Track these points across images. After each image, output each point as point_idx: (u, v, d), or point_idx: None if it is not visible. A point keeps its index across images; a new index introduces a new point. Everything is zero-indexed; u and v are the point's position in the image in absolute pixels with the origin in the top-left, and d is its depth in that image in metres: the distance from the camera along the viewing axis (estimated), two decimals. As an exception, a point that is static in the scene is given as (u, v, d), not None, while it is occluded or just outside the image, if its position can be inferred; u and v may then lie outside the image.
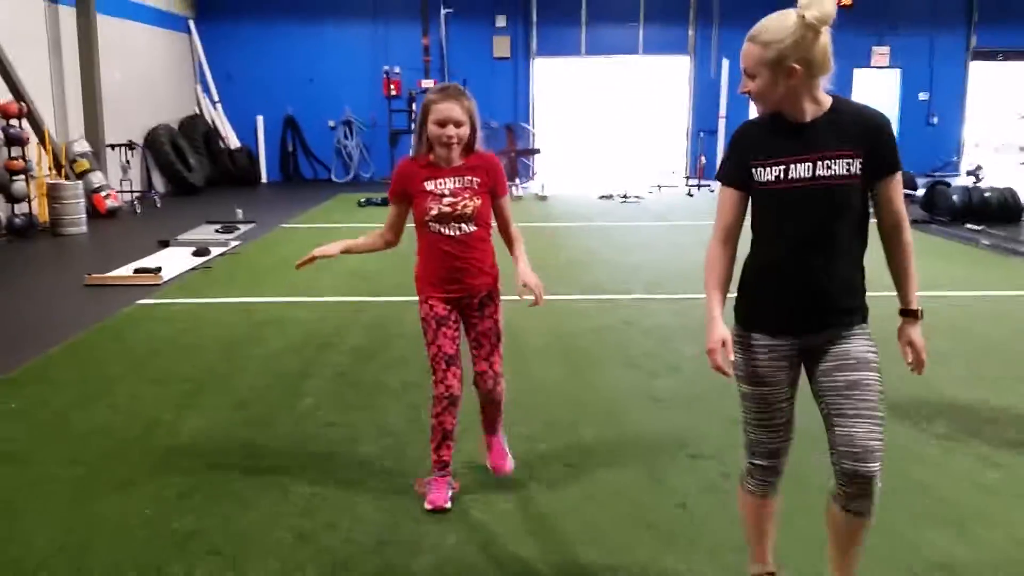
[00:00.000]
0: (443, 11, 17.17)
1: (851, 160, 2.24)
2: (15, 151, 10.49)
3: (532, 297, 3.11)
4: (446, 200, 3.18)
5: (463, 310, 3.32)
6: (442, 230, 3.21)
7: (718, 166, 2.48)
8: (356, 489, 3.51)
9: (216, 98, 17.43)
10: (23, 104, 10.73)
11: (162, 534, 3.15)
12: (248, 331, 6.04)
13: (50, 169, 11.28)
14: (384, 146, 17.40)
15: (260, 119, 17.74)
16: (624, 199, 14.47)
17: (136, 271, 7.60)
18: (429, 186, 3.20)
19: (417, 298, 3.35)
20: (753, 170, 2.33)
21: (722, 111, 17.81)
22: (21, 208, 10.71)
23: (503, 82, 18.32)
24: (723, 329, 2.35)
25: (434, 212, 3.19)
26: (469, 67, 17.64)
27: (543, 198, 14.63)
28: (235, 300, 7.03)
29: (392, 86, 17.05)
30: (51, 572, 2.90)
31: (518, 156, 17.07)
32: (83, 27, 12.55)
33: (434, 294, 3.27)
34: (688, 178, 17.39)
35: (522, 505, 3.38)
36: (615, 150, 18.87)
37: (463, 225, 3.21)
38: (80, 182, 11.19)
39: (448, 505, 3.28)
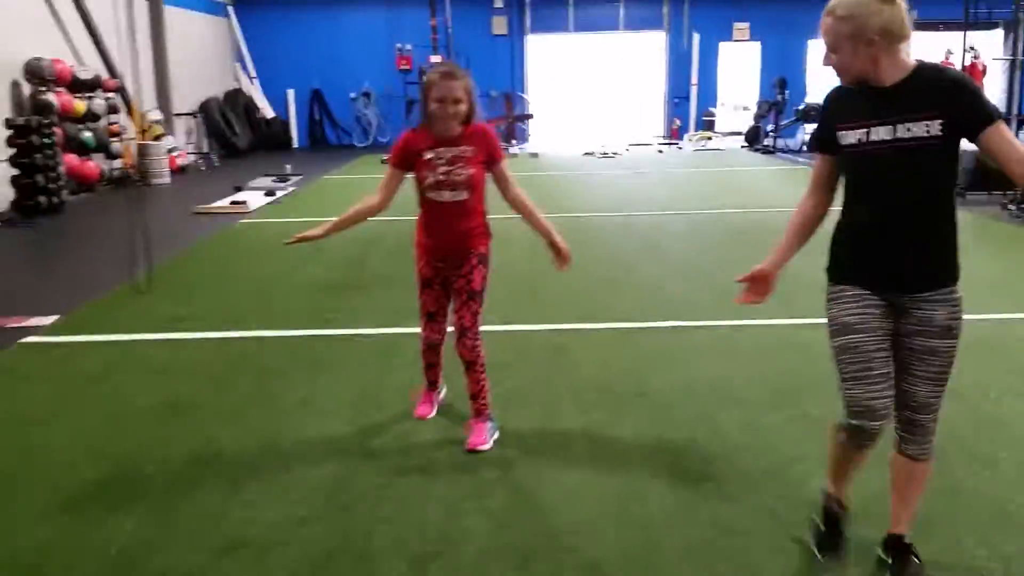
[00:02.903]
0: (448, -4, 19.79)
1: (930, 122, 2.27)
2: (113, 118, 13.25)
3: (565, 265, 3.61)
4: (441, 169, 3.43)
5: (446, 271, 3.62)
6: (437, 196, 3.49)
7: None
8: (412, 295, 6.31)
9: (253, 74, 20.12)
10: (117, 80, 13.49)
11: (318, 305, 5.96)
12: (323, 234, 8.82)
13: (136, 133, 14.03)
14: (399, 114, 20.07)
15: (291, 92, 20.41)
16: (604, 155, 17.19)
17: (231, 203, 10.37)
18: (428, 156, 3.44)
19: None
20: (838, 133, 2.42)
21: (693, 79, 20.50)
22: (115, 164, 13.48)
23: (501, 56, 20.96)
24: (762, 266, 2.58)
25: (430, 180, 3.45)
26: (471, 44, 20.25)
27: (535, 155, 17.36)
28: (307, 219, 9.80)
29: (404, 61, 19.69)
30: (259, 317, 5.69)
31: (515, 121, 19.78)
32: (154, 15, 15.29)
33: (425, 256, 3.65)
34: (659, 138, 20.07)
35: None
36: (599, 114, 21.50)
37: (456, 192, 3.46)
38: (162, 142, 13.93)
39: (430, 415, 3.94)
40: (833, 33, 2.32)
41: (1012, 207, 9.54)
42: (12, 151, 10.33)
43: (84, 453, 3.66)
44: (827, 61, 2.37)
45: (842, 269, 2.49)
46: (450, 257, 3.58)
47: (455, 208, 3.50)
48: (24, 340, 5.26)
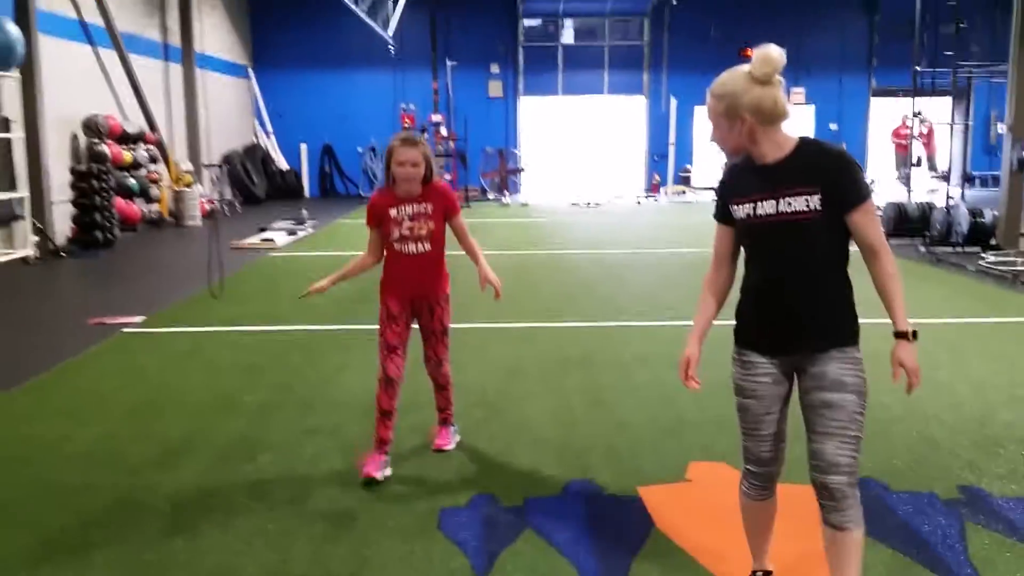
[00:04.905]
0: (448, 63, 21.79)
1: (810, 196, 2.40)
2: (152, 167, 15.08)
3: (493, 290, 3.93)
4: (405, 224, 3.83)
5: (415, 311, 4.00)
6: (403, 248, 3.87)
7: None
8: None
9: (269, 129, 22.05)
10: (157, 134, 15.35)
11: (344, 309, 7.65)
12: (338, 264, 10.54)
13: (171, 181, 15.85)
14: (402, 167, 21.92)
15: (303, 146, 22.32)
16: (587, 205, 19.03)
17: (261, 240, 12.13)
18: (393, 213, 3.82)
19: None
20: (731, 207, 2.57)
21: (671, 139, 22.46)
22: (152, 208, 15.27)
23: (496, 116, 22.99)
24: (690, 349, 2.69)
25: (396, 234, 3.84)
26: (469, 104, 22.28)
27: (525, 205, 19.20)
28: (325, 253, 11.58)
29: (408, 119, 21.62)
30: (300, 317, 7.36)
31: (508, 174, 21.69)
32: (188, 78, 17.25)
33: (390, 297, 3.96)
34: (642, 192, 21.98)
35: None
36: (585, 168, 23.44)
37: (419, 244, 3.86)
38: (193, 189, 15.75)
39: (378, 476, 3.83)
40: (712, 111, 2.48)
41: (923, 248, 11.31)
42: (73, 194, 12.11)
43: (196, 389, 5.35)
44: (712, 137, 2.54)
45: (743, 333, 2.64)
46: (418, 299, 4.02)
47: (420, 259, 3.92)
48: (124, 331, 6.95)
